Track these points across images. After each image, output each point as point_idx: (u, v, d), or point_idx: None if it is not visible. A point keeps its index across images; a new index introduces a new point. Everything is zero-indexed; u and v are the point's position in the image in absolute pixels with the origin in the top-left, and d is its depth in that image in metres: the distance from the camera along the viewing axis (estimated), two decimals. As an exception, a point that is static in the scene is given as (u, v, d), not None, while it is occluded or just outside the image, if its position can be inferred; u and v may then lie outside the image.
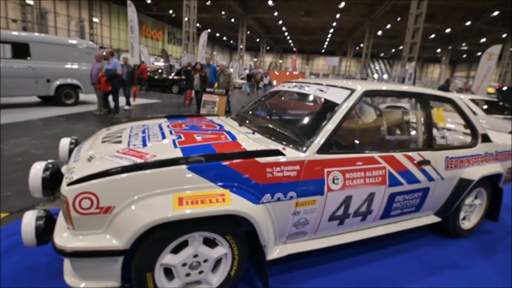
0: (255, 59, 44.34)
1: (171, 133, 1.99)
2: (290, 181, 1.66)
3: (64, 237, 1.41)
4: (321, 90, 2.22)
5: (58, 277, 1.83)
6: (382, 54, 52.38)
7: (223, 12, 32.32)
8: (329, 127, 1.84)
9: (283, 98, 2.96)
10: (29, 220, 1.52)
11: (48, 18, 27.93)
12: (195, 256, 1.55)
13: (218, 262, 1.66)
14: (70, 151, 2.10)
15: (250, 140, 1.91)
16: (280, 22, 34.40)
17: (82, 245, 1.37)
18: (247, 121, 2.34)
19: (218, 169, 1.52)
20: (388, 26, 31.04)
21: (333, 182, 1.79)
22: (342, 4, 25.05)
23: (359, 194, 1.89)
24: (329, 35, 39.06)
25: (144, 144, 1.76)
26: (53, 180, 1.68)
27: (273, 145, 1.82)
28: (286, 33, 40.94)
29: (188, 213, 1.39)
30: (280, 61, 56.61)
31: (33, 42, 7.39)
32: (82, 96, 8.63)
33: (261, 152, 1.67)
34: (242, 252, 1.66)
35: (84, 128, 5.92)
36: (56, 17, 28.99)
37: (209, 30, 22.81)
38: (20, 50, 7.20)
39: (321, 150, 1.78)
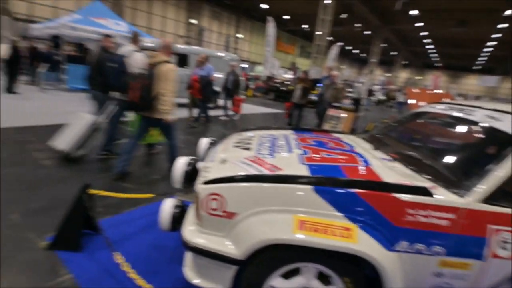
0: (388, 74, 40.86)
1: (297, 147, 1.93)
2: (438, 232, 1.31)
3: (191, 230, 1.51)
4: (493, 117, 1.71)
5: (178, 263, 2.02)
6: None
7: (357, 25, 31.26)
8: (504, 169, 1.37)
9: (429, 122, 2.46)
10: (167, 207, 1.71)
11: (204, 34, 33.72)
12: (306, 288, 1.41)
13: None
14: (208, 150, 2.32)
15: (387, 169, 1.63)
16: (424, 33, 30.57)
17: (204, 243, 1.43)
18: (384, 145, 2.04)
19: (348, 197, 1.33)
20: None
21: (500, 246, 1.31)
22: (508, 12, 20.03)
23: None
24: (487, 49, 32.08)
25: (271, 155, 1.75)
26: (192, 175, 1.87)
27: (418, 180, 1.49)
28: (429, 46, 36.07)
29: (307, 240, 1.27)
30: (419, 78, 50.27)
31: (191, 53, 8.97)
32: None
33: (402, 187, 1.39)
34: (359, 299, 1.41)
35: (217, 130, 6.71)
36: (210, 33, 34.70)
37: (340, 43, 22.48)
38: (182, 60, 8.86)
39: (487, 199, 1.34)
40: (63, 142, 3.62)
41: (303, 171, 1.51)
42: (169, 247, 2.22)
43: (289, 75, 22.32)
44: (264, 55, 18.79)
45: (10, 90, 8.29)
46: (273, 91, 15.98)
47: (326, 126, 5.56)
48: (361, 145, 2.10)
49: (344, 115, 5.39)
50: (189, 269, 1.54)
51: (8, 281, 1.79)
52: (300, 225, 1.29)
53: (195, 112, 6.99)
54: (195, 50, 9.40)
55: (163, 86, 3.06)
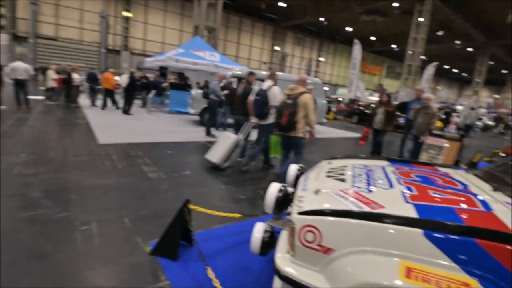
0: (497, 96, 35.05)
1: (398, 181, 1.76)
2: None
3: (283, 259, 1.51)
4: None
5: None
6: None
7: (457, 42, 28.02)
8: None
9: None
10: (258, 231, 1.75)
11: (287, 59, 35.03)
12: None
13: None
14: (296, 177, 2.33)
15: (517, 216, 1.36)
16: (549, 48, 25.50)
17: (296, 275, 1.41)
18: (506, 185, 1.71)
19: (468, 248, 1.15)
20: None
21: None
22: None
23: None
24: None
25: (369, 189, 1.64)
26: (283, 201, 1.89)
27: None
28: (557, 62, 29.78)
29: (418, 291, 1.13)
30: (539, 100, 41.50)
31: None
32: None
33: (544, 242, 1.13)
34: None
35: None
36: (292, 59, 35.83)
37: (436, 63, 20.50)
38: (267, 85, 9.30)
39: None
40: (215, 156, 4.66)
41: (410, 211, 1.36)
42: (255, 269, 2.26)
43: (374, 98, 21.18)
44: (346, 76, 18.36)
45: (126, 112, 10.00)
46: (356, 114, 15.34)
47: (423, 157, 4.94)
48: (476, 184, 1.80)
49: (446, 144, 4.69)
50: (279, 298, 1.53)
51: (117, 279, 2.07)
52: (407, 272, 1.16)
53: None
54: (280, 76, 9.77)
55: (303, 112, 3.83)
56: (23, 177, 3.63)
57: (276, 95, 4.49)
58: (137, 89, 11.00)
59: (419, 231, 1.21)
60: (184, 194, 3.56)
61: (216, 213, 2.55)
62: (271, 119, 4.57)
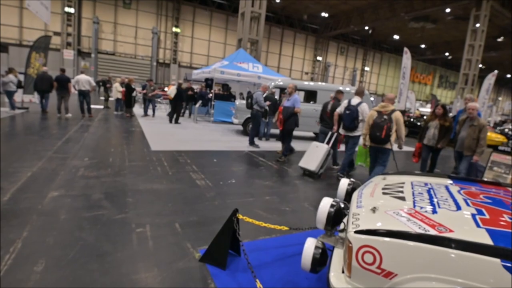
0: None
1: (466, 203, 1.62)
2: None
3: (338, 278, 1.47)
4: None
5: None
6: None
7: (522, 48, 25.37)
8: None
9: None
10: (309, 247, 1.72)
11: (329, 69, 34.53)
12: None
13: None
14: (347, 191, 2.26)
15: None
16: None
17: (353, 297, 1.36)
18: None
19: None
20: None
21: None
22: None
23: None
24: None
25: (434, 210, 1.53)
26: (335, 217, 1.84)
27: None
28: None
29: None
30: None
31: (320, 89, 9.23)
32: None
33: None
34: None
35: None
36: (335, 68, 35.23)
37: (496, 71, 18.75)
38: (311, 96, 9.23)
39: None
40: (311, 164, 5.23)
41: (483, 237, 1.25)
42: (302, 286, 2.21)
43: (426, 109, 19.93)
44: (393, 86, 17.47)
45: (175, 121, 10.56)
46: (406, 126, 14.47)
47: (487, 176, 4.46)
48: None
49: (516, 163, 4.20)
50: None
51: (169, 283, 2.15)
52: (483, 305, 1.06)
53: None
54: (323, 86, 9.65)
55: (396, 127, 4.37)
56: (86, 179, 3.99)
57: (365, 111, 5.04)
58: (184, 99, 11.60)
59: (496, 260, 1.10)
60: (230, 203, 3.64)
61: (264, 224, 2.56)
62: (358, 132, 5.19)
